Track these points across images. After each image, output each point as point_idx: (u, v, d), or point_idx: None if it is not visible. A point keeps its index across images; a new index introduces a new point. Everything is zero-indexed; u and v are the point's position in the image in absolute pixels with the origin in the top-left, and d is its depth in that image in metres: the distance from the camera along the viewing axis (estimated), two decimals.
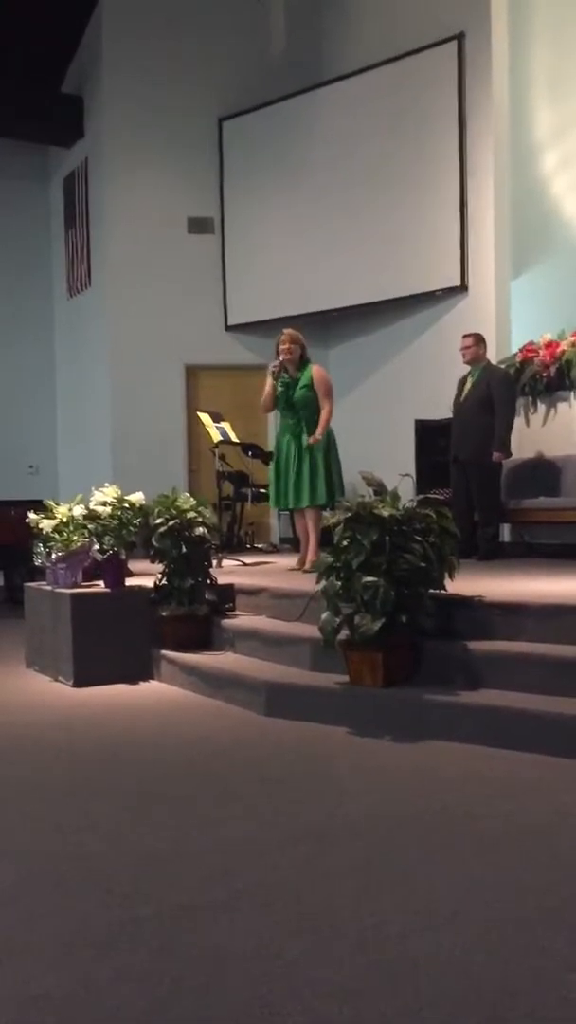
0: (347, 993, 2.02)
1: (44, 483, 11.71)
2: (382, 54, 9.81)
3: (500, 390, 7.74)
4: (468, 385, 7.90)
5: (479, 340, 7.94)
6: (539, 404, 8.51)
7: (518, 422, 8.21)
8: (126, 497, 6.34)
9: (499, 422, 7.67)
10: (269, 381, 6.76)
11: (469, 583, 5.09)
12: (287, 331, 6.82)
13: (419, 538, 4.42)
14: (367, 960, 2.16)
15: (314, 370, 6.76)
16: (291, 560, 7.35)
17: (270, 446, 8.88)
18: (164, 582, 5.85)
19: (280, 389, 6.73)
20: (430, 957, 2.16)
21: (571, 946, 2.20)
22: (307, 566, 6.51)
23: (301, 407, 6.68)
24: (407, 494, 4.79)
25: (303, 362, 6.74)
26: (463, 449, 7.80)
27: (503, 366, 8.36)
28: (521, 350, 8.61)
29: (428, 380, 9.22)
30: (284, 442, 6.80)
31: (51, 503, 6.40)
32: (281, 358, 6.69)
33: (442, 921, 2.35)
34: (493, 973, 2.09)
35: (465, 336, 8.01)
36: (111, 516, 6.07)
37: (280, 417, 6.95)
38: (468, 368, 7.96)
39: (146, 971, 2.14)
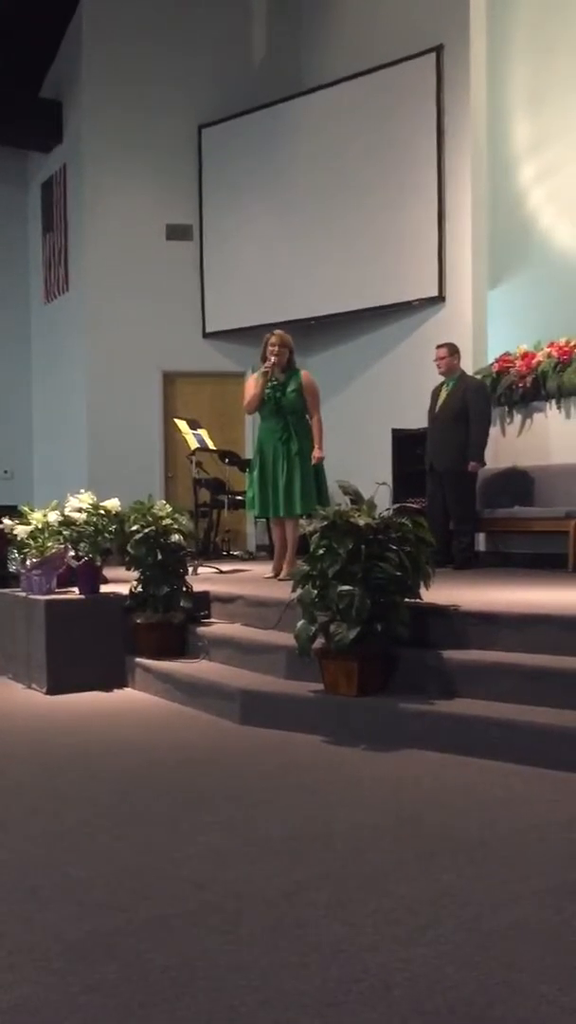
0: (320, 1005, 2.01)
1: (19, 488, 11.62)
2: (362, 64, 9.86)
3: (475, 401, 7.79)
4: (443, 395, 7.94)
5: (453, 351, 7.98)
6: (515, 414, 8.57)
7: (494, 432, 8.27)
8: (102, 503, 6.31)
9: (474, 432, 7.71)
10: (259, 381, 6.62)
11: (444, 592, 5.10)
12: (277, 332, 6.72)
13: (395, 547, 4.43)
14: (340, 971, 2.15)
15: (304, 375, 6.70)
16: (267, 567, 7.33)
17: (248, 453, 8.86)
18: (139, 589, 5.82)
19: (268, 392, 6.61)
20: (403, 968, 2.16)
21: (545, 958, 2.20)
22: (283, 574, 6.49)
23: (290, 412, 6.59)
24: (383, 503, 4.79)
25: (290, 366, 6.67)
26: (439, 459, 7.83)
27: (478, 376, 8.40)
28: (497, 361, 8.66)
29: (405, 389, 9.25)
30: (269, 448, 6.64)
31: (26, 509, 6.36)
32: (272, 360, 6.57)
33: (416, 932, 2.34)
34: (467, 985, 2.08)
35: (439, 347, 8.04)
36: (86, 522, 6.03)
37: (261, 421, 6.84)
38: (442, 378, 8.00)
39: (118, 982, 2.12)
